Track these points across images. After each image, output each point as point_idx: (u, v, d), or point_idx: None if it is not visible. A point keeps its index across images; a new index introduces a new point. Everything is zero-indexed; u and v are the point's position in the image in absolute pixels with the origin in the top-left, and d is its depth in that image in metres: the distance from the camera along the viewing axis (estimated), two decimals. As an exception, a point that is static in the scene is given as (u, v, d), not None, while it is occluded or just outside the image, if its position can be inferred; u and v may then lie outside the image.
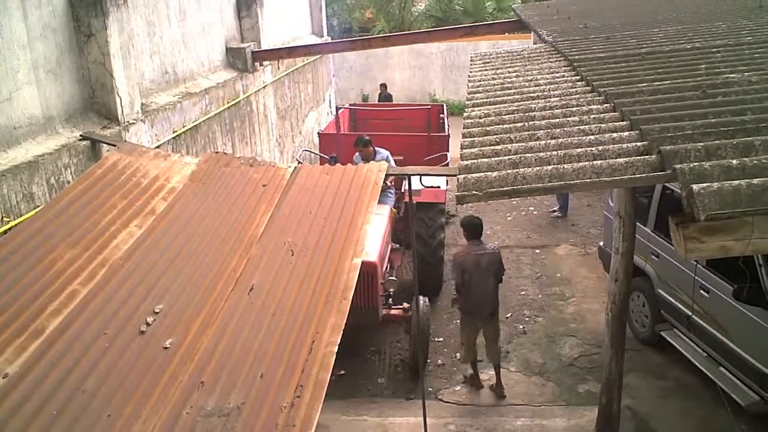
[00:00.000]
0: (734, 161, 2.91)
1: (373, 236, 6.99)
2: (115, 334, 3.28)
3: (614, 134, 3.65)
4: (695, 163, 2.94)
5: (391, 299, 7.62)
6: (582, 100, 4.46)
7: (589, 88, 4.75)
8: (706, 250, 2.83)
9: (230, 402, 2.80)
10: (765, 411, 5.99)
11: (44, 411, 2.80)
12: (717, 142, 3.18)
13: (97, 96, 6.31)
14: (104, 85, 6.28)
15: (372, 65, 22.08)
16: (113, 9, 6.23)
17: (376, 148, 8.87)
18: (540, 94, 4.80)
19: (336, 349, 3.06)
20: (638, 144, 3.41)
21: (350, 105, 14.71)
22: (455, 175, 3.58)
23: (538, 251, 10.77)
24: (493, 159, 3.56)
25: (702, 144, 3.14)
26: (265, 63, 11.10)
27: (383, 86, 18.38)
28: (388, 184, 8.81)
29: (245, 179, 4.89)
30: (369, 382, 7.47)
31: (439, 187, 9.07)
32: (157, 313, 3.44)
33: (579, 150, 3.46)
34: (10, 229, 4.64)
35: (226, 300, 3.54)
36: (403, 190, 9.18)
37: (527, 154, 3.49)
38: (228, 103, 9.38)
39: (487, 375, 7.29)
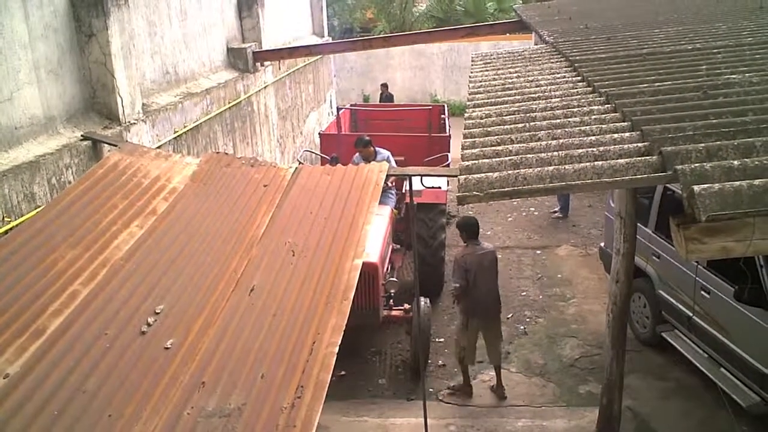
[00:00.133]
0: (735, 162, 2.91)
1: (373, 237, 6.99)
2: (116, 335, 3.29)
3: (615, 135, 3.64)
4: (696, 164, 2.93)
5: (391, 300, 7.62)
6: (583, 100, 4.46)
7: (590, 88, 4.75)
8: (707, 251, 2.83)
9: (231, 403, 2.80)
10: (766, 412, 5.99)
11: (45, 411, 2.80)
12: (718, 142, 3.17)
13: (99, 96, 6.32)
14: (105, 85, 6.28)
15: (373, 66, 22.09)
16: (114, 9, 6.23)
17: (377, 149, 8.87)
18: (541, 94, 4.80)
19: (337, 349, 3.06)
20: (639, 145, 3.41)
21: (351, 105, 14.73)
22: (456, 176, 3.58)
23: (538, 252, 10.77)
24: (494, 160, 3.56)
25: (703, 145, 3.14)
26: (266, 63, 11.11)
27: (384, 86, 18.38)
28: (389, 184, 8.81)
29: (246, 180, 4.89)
30: (370, 382, 7.47)
31: (440, 187, 9.07)
32: (158, 313, 3.44)
33: (580, 151, 3.46)
34: (11, 229, 4.64)
35: (227, 300, 3.54)
36: (403, 191, 9.18)
37: (528, 155, 3.49)
38: (229, 103, 9.39)
39: (488, 376, 7.29)
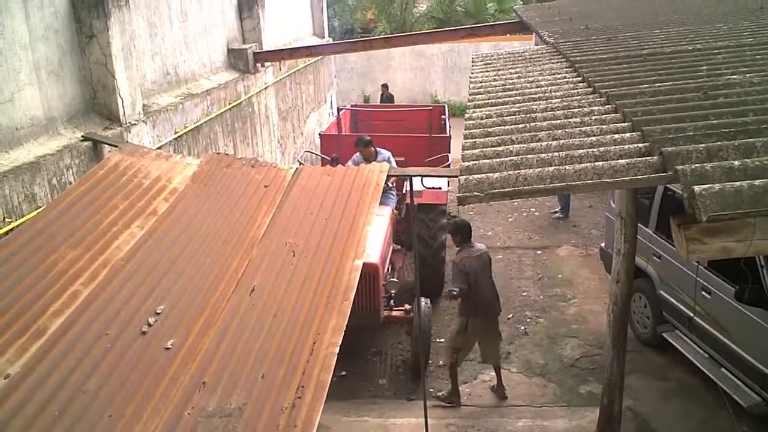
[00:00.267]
0: (736, 162, 2.91)
1: (374, 237, 7.00)
2: (117, 335, 3.29)
3: (616, 135, 3.65)
4: (697, 165, 2.93)
5: (392, 300, 7.62)
6: (583, 101, 4.46)
7: (590, 89, 4.75)
8: (708, 251, 2.83)
9: (232, 403, 2.80)
10: (766, 412, 5.98)
11: (46, 411, 2.80)
12: (718, 143, 3.17)
13: (99, 97, 6.32)
14: (106, 86, 6.29)
15: (373, 66, 22.09)
16: (115, 10, 6.24)
17: (378, 149, 8.88)
18: (541, 95, 4.80)
19: (337, 350, 3.06)
20: (640, 145, 3.41)
21: (351, 106, 14.73)
22: (456, 176, 3.59)
23: (539, 252, 10.77)
24: (494, 160, 3.56)
25: (703, 145, 3.14)
26: (267, 64, 11.11)
27: (385, 87, 18.39)
28: (390, 185, 8.81)
29: (247, 180, 4.89)
30: (370, 383, 7.47)
31: (440, 188, 9.07)
32: (159, 313, 3.44)
33: (580, 151, 3.46)
34: (11, 229, 4.65)
35: (227, 301, 3.55)
36: (404, 192, 9.18)
37: (529, 155, 3.49)
38: (229, 104, 9.39)
39: (489, 376, 7.28)
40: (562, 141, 3.69)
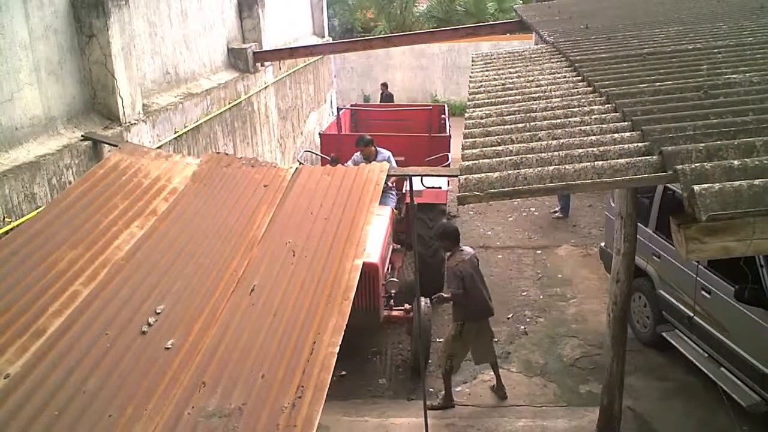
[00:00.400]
0: (736, 162, 2.90)
1: (374, 237, 7.00)
2: (117, 335, 3.29)
3: (615, 135, 3.64)
4: (696, 164, 2.93)
5: (392, 300, 7.62)
6: (583, 100, 4.46)
7: (590, 88, 4.75)
8: (708, 250, 2.83)
9: (231, 402, 2.80)
10: (766, 411, 5.99)
11: (45, 411, 2.80)
12: (718, 142, 3.17)
13: (99, 96, 6.32)
14: (106, 85, 6.29)
15: (373, 66, 22.10)
16: (115, 10, 6.23)
17: (378, 149, 8.88)
18: (541, 94, 4.79)
19: (337, 349, 3.06)
20: (639, 145, 3.41)
21: (351, 105, 14.75)
22: (456, 176, 3.58)
23: (539, 252, 10.77)
24: (494, 159, 3.56)
25: (703, 145, 3.14)
26: (267, 63, 11.12)
27: (384, 86, 18.41)
28: (390, 184, 8.81)
29: (246, 180, 4.90)
30: (370, 382, 7.47)
31: (440, 187, 9.08)
32: (159, 313, 3.44)
33: (580, 150, 3.45)
34: (11, 229, 4.65)
35: (227, 301, 3.55)
36: (404, 191, 9.19)
37: (528, 155, 3.48)
38: (229, 103, 9.39)
39: (488, 375, 7.28)
40: (561, 140, 3.68)
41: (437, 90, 22.20)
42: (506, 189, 3.20)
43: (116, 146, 5.56)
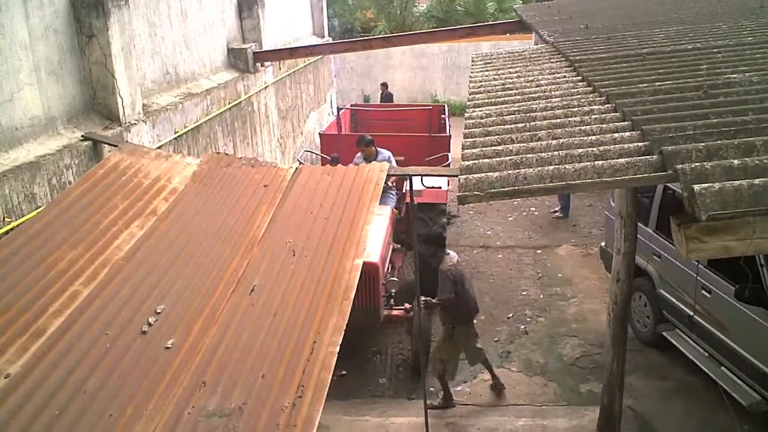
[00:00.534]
0: (736, 161, 2.90)
1: (374, 237, 7.00)
2: (117, 335, 3.29)
3: (615, 134, 3.64)
4: (696, 164, 2.93)
5: (392, 300, 7.62)
6: (583, 100, 4.46)
7: (590, 88, 4.75)
8: (708, 250, 2.83)
9: (232, 402, 2.81)
10: (767, 411, 5.99)
11: (46, 411, 2.80)
12: (718, 142, 3.17)
13: (99, 97, 6.32)
14: (106, 85, 6.29)
15: (373, 66, 22.10)
16: (114, 10, 6.23)
17: (378, 149, 8.88)
18: (541, 94, 4.79)
19: (337, 349, 3.06)
20: (639, 144, 3.41)
21: (351, 105, 14.75)
22: (456, 176, 3.58)
23: (539, 251, 10.77)
24: (494, 159, 3.56)
25: (703, 144, 3.13)
26: (267, 64, 11.12)
27: (384, 86, 18.42)
28: (390, 184, 8.81)
29: (246, 180, 4.90)
30: (370, 382, 7.47)
31: (440, 187, 9.08)
32: (159, 313, 3.45)
33: (580, 150, 3.45)
34: (11, 229, 4.65)
35: (227, 300, 3.55)
36: (404, 191, 9.18)
37: (528, 155, 3.48)
38: (229, 103, 9.39)
39: (488, 375, 7.28)
40: (561, 140, 3.68)
41: (437, 90, 22.20)
42: (506, 189, 3.20)
43: (116, 146, 5.57)
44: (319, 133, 12.11)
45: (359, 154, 8.93)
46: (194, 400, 2.83)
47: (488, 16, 23.44)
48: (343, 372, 7.37)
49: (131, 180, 4.80)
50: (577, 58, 5.66)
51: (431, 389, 7.09)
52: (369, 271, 6.85)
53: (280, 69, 12.23)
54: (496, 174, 3.28)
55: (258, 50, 10.56)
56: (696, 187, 2.69)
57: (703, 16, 7.52)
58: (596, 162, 3.24)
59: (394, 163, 8.53)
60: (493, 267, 10.25)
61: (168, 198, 4.68)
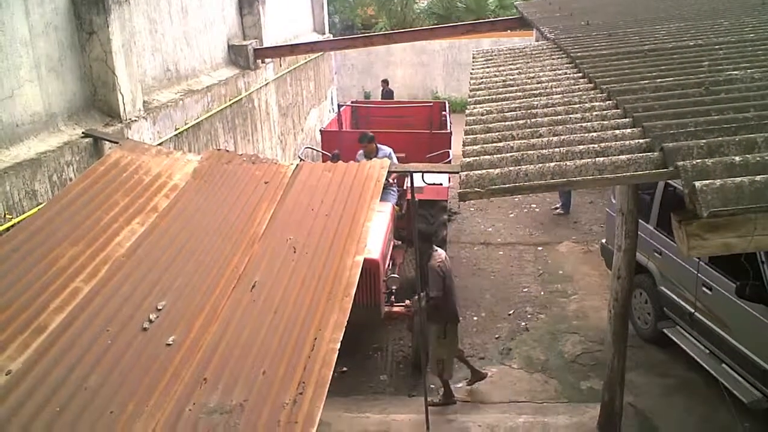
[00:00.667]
0: (737, 158, 2.90)
1: (375, 233, 6.99)
2: (118, 331, 3.29)
3: (616, 131, 3.64)
4: (698, 160, 2.93)
5: (393, 296, 7.62)
6: (584, 97, 4.45)
7: (591, 85, 4.74)
8: (709, 247, 2.82)
9: (233, 399, 2.81)
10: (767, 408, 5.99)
11: (47, 408, 2.81)
12: (719, 139, 3.16)
13: (100, 93, 6.32)
14: (106, 82, 6.28)
15: (374, 62, 22.09)
16: (115, 6, 6.23)
17: (379, 145, 8.88)
18: (542, 91, 4.79)
19: (338, 346, 3.06)
20: (641, 141, 3.40)
21: (352, 102, 14.74)
22: (457, 172, 3.58)
23: (540, 248, 10.77)
24: (495, 156, 3.55)
25: (704, 141, 3.13)
26: (267, 60, 11.10)
27: (385, 82, 18.42)
28: (391, 181, 8.81)
29: (247, 176, 4.90)
30: (371, 379, 7.48)
31: (441, 184, 9.08)
32: (160, 310, 3.45)
33: (581, 147, 3.45)
34: (12, 226, 4.65)
35: (228, 297, 3.55)
36: (405, 188, 9.18)
37: (529, 151, 3.48)
38: (230, 100, 9.39)
39: (490, 372, 7.29)
40: (562, 137, 3.68)
41: (438, 87, 22.18)
42: (507, 185, 3.19)
43: (117, 143, 5.56)
44: (320, 130, 12.10)
45: (361, 151, 8.93)
46: (195, 397, 2.84)
47: (489, 13, 23.41)
48: (344, 369, 7.38)
49: (132, 177, 4.80)
50: (579, 54, 5.65)
51: (432, 386, 7.09)
52: (370, 267, 6.85)
53: (280, 66, 12.21)
54: (497, 170, 3.28)
55: (258, 47, 10.55)
56: (697, 183, 2.69)
57: (705, 12, 7.51)
58: (597, 159, 3.24)
59: (395, 160, 8.52)
60: (494, 264, 10.25)
61: (169, 195, 4.68)
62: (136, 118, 6.62)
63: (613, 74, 4.81)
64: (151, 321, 3.36)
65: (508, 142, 3.75)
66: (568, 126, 3.86)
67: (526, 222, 11.94)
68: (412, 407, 6.75)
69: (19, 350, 3.14)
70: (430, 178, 8.49)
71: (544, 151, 3.47)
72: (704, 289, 6.60)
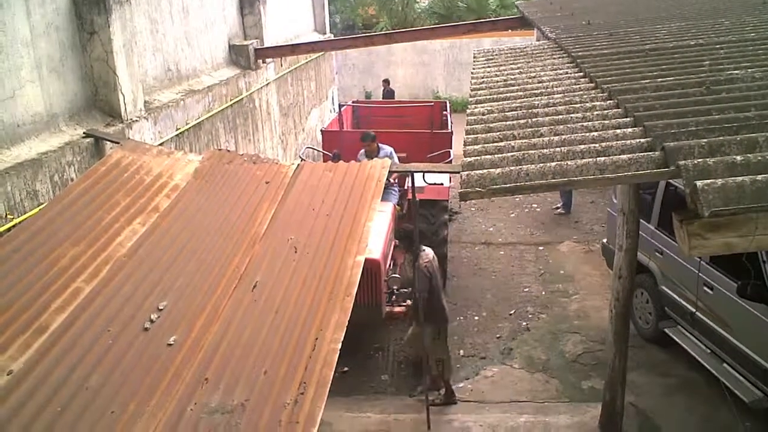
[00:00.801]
0: (738, 158, 2.90)
1: (376, 233, 6.99)
2: (119, 331, 3.29)
3: (618, 131, 3.64)
4: (699, 160, 2.92)
5: (394, 296, 7.62)
6: (585, 96, 4.45)
7: (592, 84, 4.74)
8: (710, 246, 2.82)
9: (234, 399, 2.81)
10: (768, 407, 5.99)
11: (48, 408, 2.81)
12: (721, 138, 3.16)
13: (101, 93, 6.32)
14: (107, 82, 6.29)
15: (375, 62, 22.09)
16: (116, 6, 6.23)
17: (380, 145, 8.88)
18: (543, 90, 4.78)
19: (339, 346, 3.06)
20: (642, 140, 3.40)
21: (353, 102, 14.73)
22: (458, 172, 3.58)
23: (541, 248, 10.76)
24: (496, 156, 3.55)
25: (705, 140, 3.13)
26: (268, 60, 11.11)
27: (386, 82, 18.43)
28: (392, 181, 8.81)
29: (248, 176, 4.90)
30: (372, 379, 7.48)
31: (442, 184, 9.07)
32: (161, 309, 3.45)
33: (582, 146, 3.45)
34: (14, 226, 4.65)
35: (229, 297, 3.55)
36: (406, 187, 9.18)
37: (530, 151, 3.48)
38: (231, 100, 9.39)
39: (491, 372, 7.29)
40: (563, 136, 3.68)
41: (439, 86, 22.18)
42: (508, 185, 3.19)
43: (118, 143, 5.57)
44: (321, 130, 12.10)
45: (362, 151, 8.93)
46: (196, 397, 2.84)
47: (490, 13, 23.40)
48: (345, 369, 7.38)
49: (133, 177, 4.81)
50: (579, 54, 5.65)
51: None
52: (371, 267, 6.84)
53: (281, 66, 12.22)
54: (498, 170, 3.28)
55: (259, 47, 10.55)
56: (698, 183, 2.69)
57: (706, 12, 7.50)
58: (598, 158, 3.23)
59: (396, 160, 8.52)
60: (495, 264, 10.24)
61: (170, 195, 4.68)
62: (137, 118, 6.62)
63: (614, 74, 4.81)
64: (152, 321, 3.36)
65: (509, 142, 3.75)
66: (569, 125, 3.86)
67: (527, 222, 11.93)
68: (413, 407, 6.75)
69: (20, 350, 3.14)
70: (431, 177, 8.48)
71: (545, 150, 3.47)
72: (705, 288, 6.59)
